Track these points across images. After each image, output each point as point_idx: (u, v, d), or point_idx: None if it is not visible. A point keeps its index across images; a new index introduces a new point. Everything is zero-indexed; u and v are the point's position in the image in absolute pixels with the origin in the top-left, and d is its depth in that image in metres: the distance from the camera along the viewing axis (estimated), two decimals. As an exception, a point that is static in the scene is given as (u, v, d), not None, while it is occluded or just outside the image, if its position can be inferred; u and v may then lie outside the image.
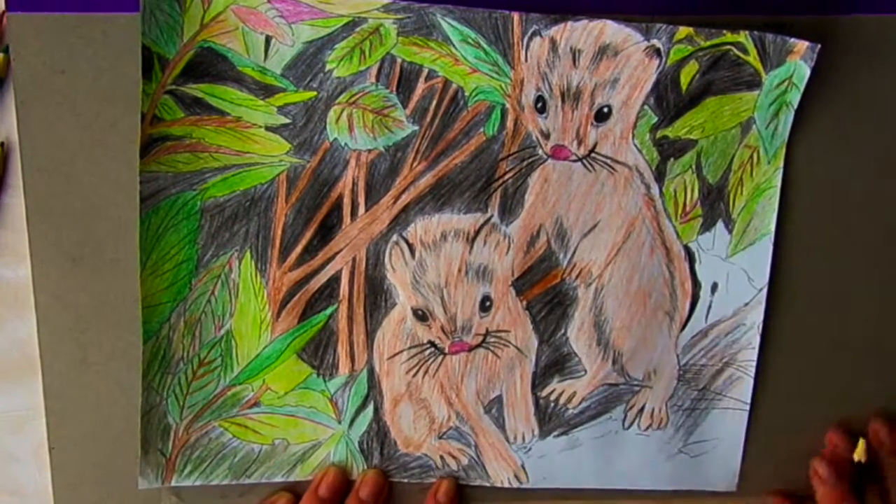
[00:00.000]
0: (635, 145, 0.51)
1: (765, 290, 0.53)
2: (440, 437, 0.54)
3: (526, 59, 0.49)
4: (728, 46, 0.49)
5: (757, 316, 0.54)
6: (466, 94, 0.50)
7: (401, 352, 0.53)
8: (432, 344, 0.53)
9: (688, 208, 0.52)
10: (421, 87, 0.50)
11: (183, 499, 0.54)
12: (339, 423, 0.53)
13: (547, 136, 0.50)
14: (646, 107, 0.50)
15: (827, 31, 0.51)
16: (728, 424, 0.55)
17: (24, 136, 0.50)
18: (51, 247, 0.51)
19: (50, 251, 0.51)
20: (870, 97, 0.52)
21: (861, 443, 0.55)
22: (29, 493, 0.54)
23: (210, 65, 0.49)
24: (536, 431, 0.54)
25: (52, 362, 0.52)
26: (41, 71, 0.49)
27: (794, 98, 0.50)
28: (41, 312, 0.52)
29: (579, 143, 0.51)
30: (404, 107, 0.50)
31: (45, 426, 0.53)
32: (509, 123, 0.50)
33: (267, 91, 0.49)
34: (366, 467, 0.54)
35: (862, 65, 0.52)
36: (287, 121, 0.50)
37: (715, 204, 0.52)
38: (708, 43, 0.49)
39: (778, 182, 0.52)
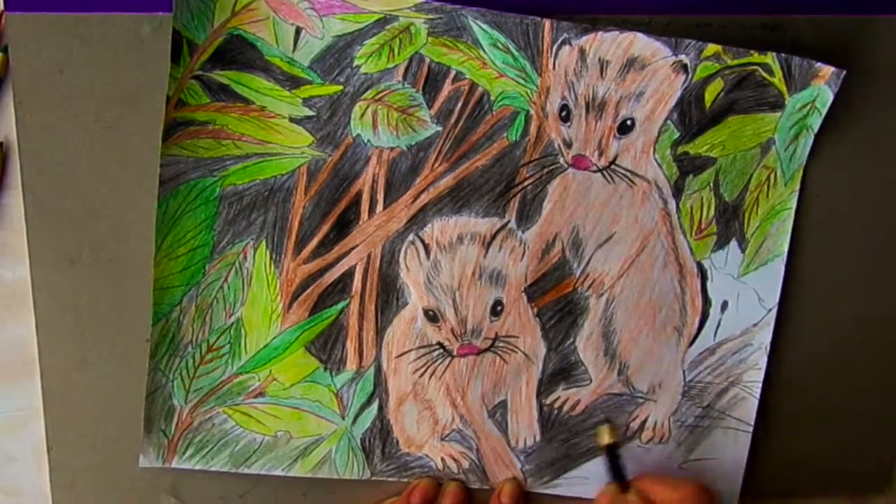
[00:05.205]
0: (656, 160, 0.51)
1: (774, 311, 0.54)
2: (442, 440, 0.54)
3: (554, 67, 0.50)
4: (754, 67, 0.50)
5: (765, 336, 0.54)
6: (492, 98, 0.50)
7: (409, 351, 0.53)
8: (441, 345, 0.53)
9: (703, 225, 0.53)
10: (447, 88, 0.50)
11: (182, 499, 0.54)
12: (343, 418, 0.53)
13: (569, 145, 0.51)
14: (669, 122, 0.51)
15: (827, 31, 0.51)
16: (730, 445, 0.55)
17: (22, 137, 0.50)
18: (49, 247, 0.51)
19: (49, 252, 0.51)
20: (879, 109, 0.53)
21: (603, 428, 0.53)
22: (27, 492, 0.54)
23: (238, 52, 0.49)
24: (538, 437, 0.54)
25: (51, 363, 0.52)
26: (40, 71, 0.49)
27: (816, 122, 0.51)
28: (40, 313, 0.52)
29: (600, 155, 0.51)
30: (429, 107, 0.50)
31: (44, 426, 0.53)
32: (532, 130, 0.51)
33: (293, 82, 0.49)
34: (366, 465, 0.54)
35: (864, 66, 0.52)
36: (311, 113, 0.50)
37: (730, 222, 0.53)
38: (735, 62, 0.50)
39: (793, 204, 0.53)
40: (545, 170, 0.51)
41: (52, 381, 0.52)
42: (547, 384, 0.54)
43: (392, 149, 0.50)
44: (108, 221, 0.51)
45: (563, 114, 0.50)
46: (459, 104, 0.50)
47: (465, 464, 0.54)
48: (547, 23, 0.49)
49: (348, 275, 0.52)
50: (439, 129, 0.50)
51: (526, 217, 0.52)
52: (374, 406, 0.53)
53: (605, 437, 0.53)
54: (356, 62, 0.49)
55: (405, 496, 0.54)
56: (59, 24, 0.49)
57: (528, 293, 0.53)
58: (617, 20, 0.50)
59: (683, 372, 0.54)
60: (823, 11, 0.51)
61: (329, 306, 0.52)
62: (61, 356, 0.52)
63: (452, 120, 0.50)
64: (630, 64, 0.49)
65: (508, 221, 0.52)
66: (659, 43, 0.49)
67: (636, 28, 0.49)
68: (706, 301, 0.54)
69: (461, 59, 0.49)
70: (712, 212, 0.52)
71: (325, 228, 0.51)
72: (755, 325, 0.54)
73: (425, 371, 0.53)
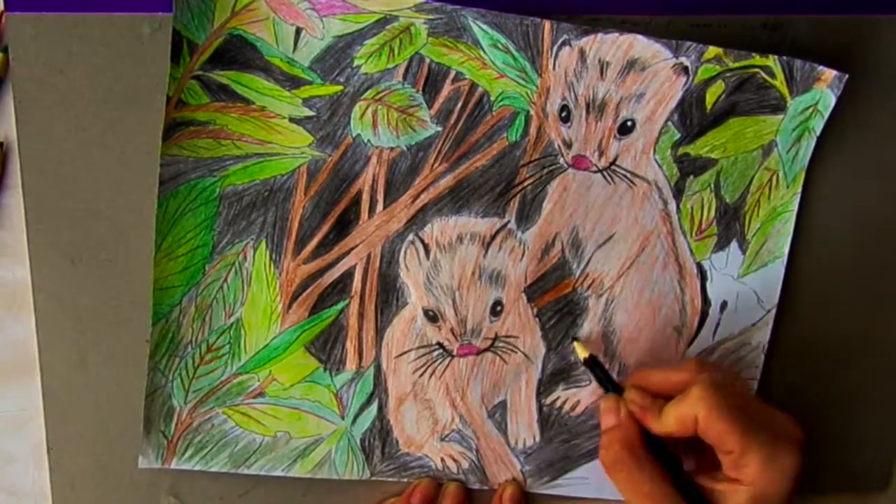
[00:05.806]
0: (656, 160, 0.51)
1: (773, 312, 0.54)
2: (442, 440, 0.54)
3: (554, 68, 0.49)
4: (756, 69, 0.50)
5: (763, 337, 0.54)
6: (492, 98, 0.50)
7: (409, 351, 0.53)
8: (441, 345, 0.53)
9: (703, 226, 0.53)
10: (447, 88, 0.50)
11: (182, 499, 0.54)
12: (343, 418, 0.53)
13: (569, 145, 0.51)
14: (669, 123, 0.51)
15: (827, 31, 0.51)
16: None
17: (22, 137, 0.50)
18: (49, 247, 0.51)
19: (48, 252, 0.51)
20: (880, 109, 0.53)
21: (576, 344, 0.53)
22: (27, 492, 0.54)
23: (238, 52, 0.49)
24: (538, 437, 0.54)
25: (51, 363, 0.52)
26: (40, 71, 0.49)
27: (818, 125, 0.51)
28: (40, 313, 0.51)
29: (601, 155, 0.51)
30: (429, 107, 0.50)
31: (44, 426, 0.53)
32: (532, 130, 0.50)
33: (293, 82, 0.49)
34: (366, 465, 0.54)
35: (864, 66, 0.52)
36: (311, 113, 0.50)
37: (730, 224, 0.53)
38: (736, 64, 0.50)
39: (794, 206, 0.53)
40: (545, 170, 0.51)
41: (52, 381, 0.52)
42: (546, 384, 0.54)
43: (392, 149, 0.50)
44: (108, 221, 0.51)
45: (564, 114, 0.50)
46: (459, 104, 0.50)
47: (465, 464, 0.54)
48: (547, 23, 0.49)
49: (348, 275, 0.52)
50: (439, 129, 0.50)
51: (526, 217, 0.52)
52: (374, 406, 0.53)
53: (582, 351, 0.52)
54: (356, 62, 0.49)
55: (405, 497, 0.54)
56: (59, 24, 0.48)
57: (527, 293, 0.53)
58: (616, 20, 0.50)
59: (683, 372, 0.54)
60: (823, 11, 0.51)
61: (329, 306, 0.52)
62: (61, 356, 0.52)
63: (452, 120, 0.50)
64: (630, 65, 0.49)
65: (508, 222, 0.52)
66: (659, 45, 0.49)
67: (636, 28, 0.49)
68: (706, 301, 0.54)
69: (461, 60, 0.49)
70: (713, 213, 0.52)
71: (324, 228, 0.51)
72: (754, 325, 0.54)
73: (425, 371, 0.53)
